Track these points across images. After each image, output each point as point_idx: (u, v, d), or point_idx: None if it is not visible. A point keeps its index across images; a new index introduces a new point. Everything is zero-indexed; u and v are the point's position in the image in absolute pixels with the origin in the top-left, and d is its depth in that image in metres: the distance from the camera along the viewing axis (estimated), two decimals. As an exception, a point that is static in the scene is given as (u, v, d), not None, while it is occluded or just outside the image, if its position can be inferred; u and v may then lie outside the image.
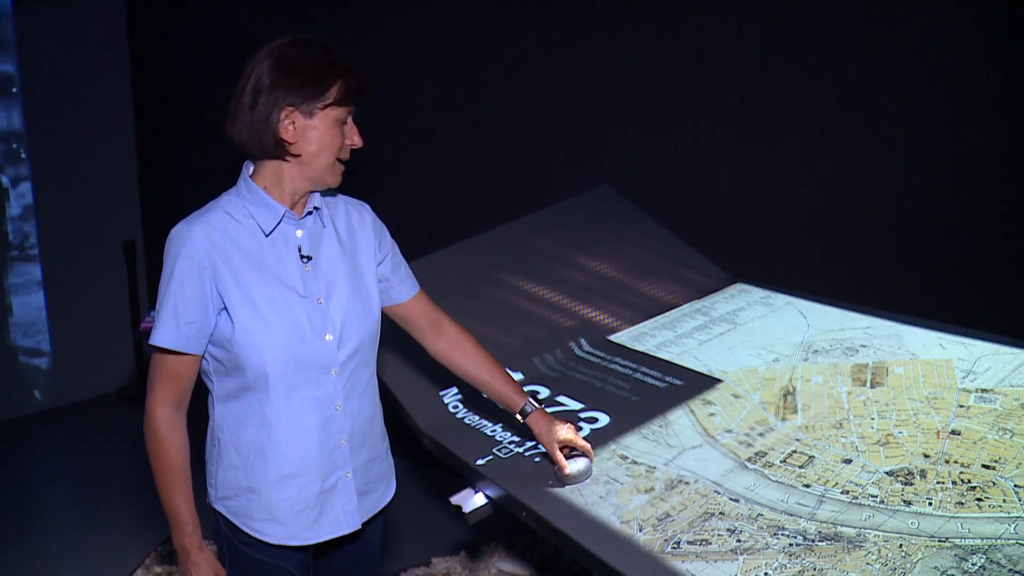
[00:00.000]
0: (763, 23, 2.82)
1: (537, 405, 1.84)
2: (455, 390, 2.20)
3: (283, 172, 1.63)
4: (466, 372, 1.88)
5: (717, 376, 2.12)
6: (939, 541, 1.46)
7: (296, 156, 1.61)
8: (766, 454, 1.80)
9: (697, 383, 2.11)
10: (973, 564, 1.39)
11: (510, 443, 1.99)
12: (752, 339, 2.26)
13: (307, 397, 1.64)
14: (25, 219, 4.73)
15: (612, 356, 2.32)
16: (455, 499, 1.87)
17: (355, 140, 1.66)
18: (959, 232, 2.57)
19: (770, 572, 1.46)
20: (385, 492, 1.85)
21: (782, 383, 2.03)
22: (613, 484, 1.77)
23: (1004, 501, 1.52)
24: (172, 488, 1.62)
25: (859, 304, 2.32)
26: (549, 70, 3.38)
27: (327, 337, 1.65)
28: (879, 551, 1.46)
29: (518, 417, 1.84)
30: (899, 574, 1.40)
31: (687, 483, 1.74)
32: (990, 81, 2.48)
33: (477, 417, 2.12)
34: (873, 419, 1.85)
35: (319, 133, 1.60)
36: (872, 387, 1.96)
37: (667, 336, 2.38)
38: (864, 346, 2.12)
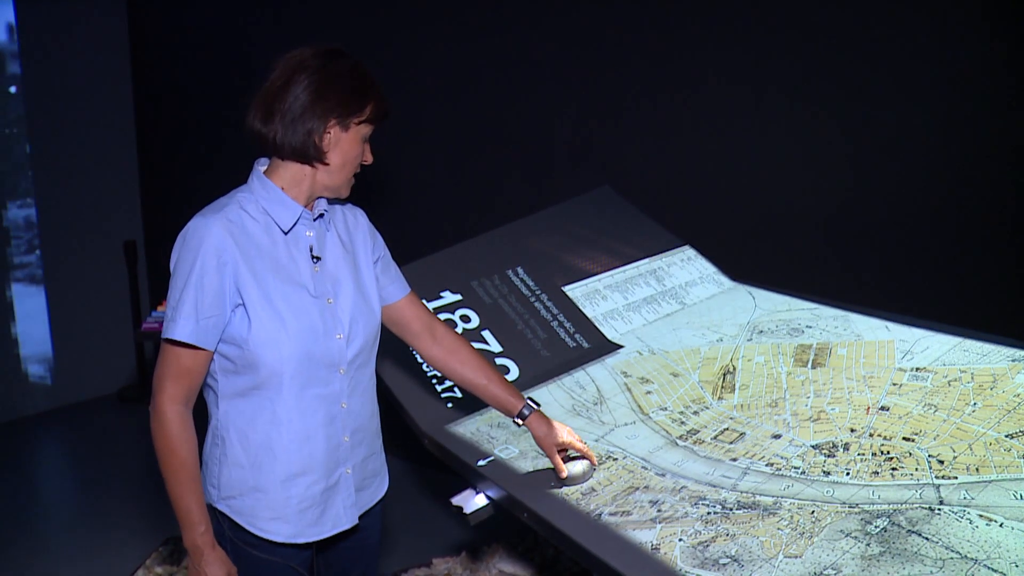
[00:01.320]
0: (764, 24, 2.86)
1: (536, 407, 1.81)
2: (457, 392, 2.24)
3: (306, 176, 1.66)
4: (463, 377, 1.88)
5: (658, 354, 2.15)
6: (849, 507, 1.48)
7: (324, 164, 1.64)
8: (698, 432, 1.82)
9: (601, 347, 2.24)
10: (876, 527, 1.41)
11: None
12: (698, 319, 2.29)
13: (316, 395, 1.66)
14: (26, 219, 4.83)
15: (540, 291, 2.40)
16: (456, 500, 1.87)
17: (368, 157, 1.72)
18: (963, 235, 2.60)
19: (684, 538, 1.49)
20: (379, 487, 1.87)
21: (723, 363, 2.05)
22: (541, 459, 1.80)
23: (916, 469, 1.54)
24: (184, 487, 1.60)
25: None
26: (550, 71, 3.41)
27: (338, 336, 1.68)
28: (791, 517, 1.49)
29: (517, 421, 1.81)
30: (806, 537, 1.43)
31: (615, 459, 1.77)
32: (975, 82, 2.50)
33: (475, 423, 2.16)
34: (808, 398, 1.87)
35: (349, 146, 1.65)
36: (813, 368, 1.98)
37: (617, 302, 2.41)
38: (810, 327, 2.14)
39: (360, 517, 1.79)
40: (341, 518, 1.75)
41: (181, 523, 1.62)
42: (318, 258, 1.70)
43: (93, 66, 4.90)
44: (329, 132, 1.61)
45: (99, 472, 4.17)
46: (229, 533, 1.69)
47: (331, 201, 1.76)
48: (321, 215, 1.72)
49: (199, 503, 1.62)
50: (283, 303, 1.62)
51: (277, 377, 1.61)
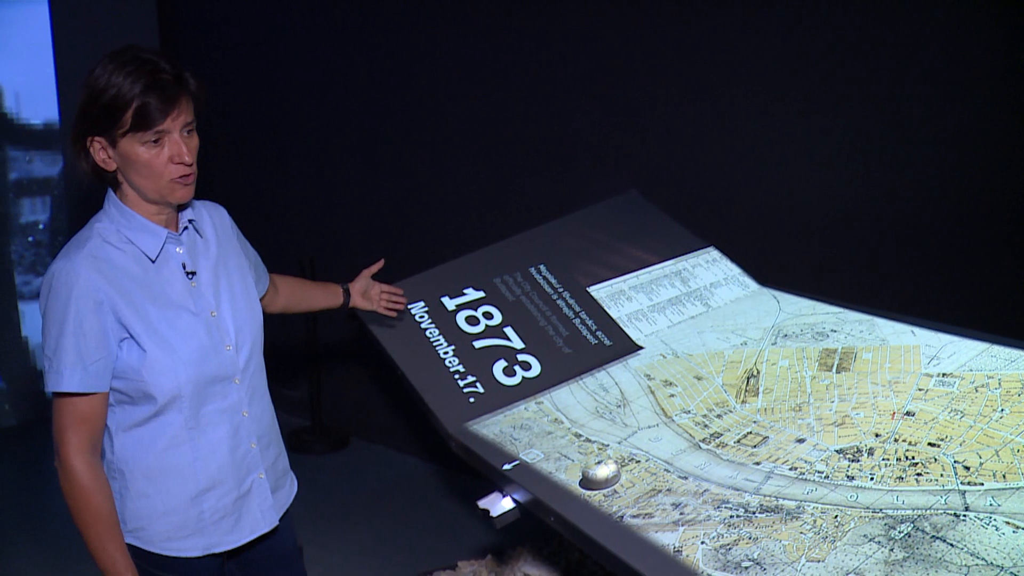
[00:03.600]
0: (793, 26, 2.85)
1: (348, 285, 2.20)
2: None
3: (129, 196, 1.60)
4: (288, 302, 2.09)
5: (682, 357, 2.15)
6: (873, 512, 1.48)
7: (123, 182, 1.59)
8: (721, 435, 1.82)
9: (622, 345, 2.26)
10: (900, 532, 1.41)
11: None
12: (723, 323, 2.29)
13: (216, 410, 1.65)
14: (54, 219, 4.90)
15: (562, 289, 2.41)
16: (483, 503, 1.87)
17: (182, 158, 1.56)
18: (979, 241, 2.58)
19: (707, 541, 1.49)
20: (292, 485, 1.88)
21: (747, 366, 2.05)
22: (563, 461, 1.81)
23: (941, 475, 1.53)
24: (105, 538, 1.57)
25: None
26: (578, 74, 3.42)
27: (227, 348, 1.66)
28: (815, 521, 1.49)
29: (346, 297, 2.19)
30: (829, 541, 1.42)
31: (638, 462, 1.77)
32: (1013, 83, 2.48)
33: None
34: (833, 402, 1.86)
35: (130, 160, 1.54)
36: (837, 372, 1.97)
37: (642, 303, 2.41)
38: (834, 331, 2.13)
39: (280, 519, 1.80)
40: (259, 522, 1.75)
41: (106, 573, 1.58)
42: (193, 273, 1.66)
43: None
44: (98, 151, 1.54)
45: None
46: (138, 563, 1.64)
47: (182, 208, 1.69)
48: (186, 227, 1.67)
49: (122, 550, 1.59)
50: (168, 329, 1.58)
51: (174, 401, 1.59)
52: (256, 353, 1.74)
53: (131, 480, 1.63)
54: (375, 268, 2.27)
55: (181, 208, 1.69)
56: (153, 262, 1.61)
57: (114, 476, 1.64)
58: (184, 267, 1.65)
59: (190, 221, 1.69)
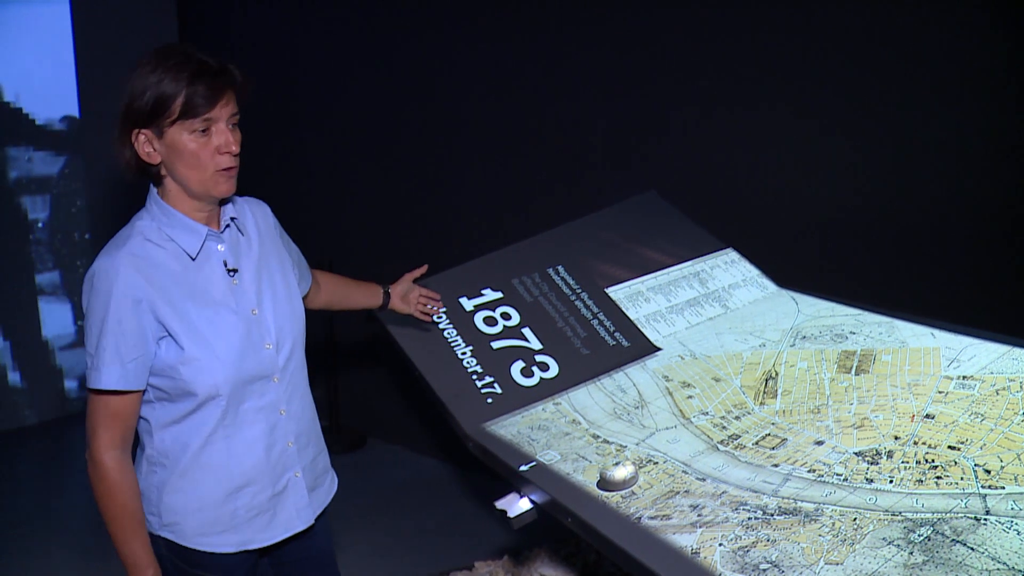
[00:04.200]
0: (810, 27, 2.85)
1: (389, 288, 2.18)
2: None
3: (173, 192, 1.60)
4: (330, 300, 2.09)
5: (700, 359, 2.15)
6: (892, 515, 1.47)
7: (166, 175, 1.59)
8: (739, 437, 1.82)
9: (640, 346, 2.26)
10: (919, 535, 1.40)
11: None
12: (741, 324, 2.28)
13: (253, 408, 1.65)
14: (71, 217, 4.94)
15: (580, 290, 2.41)
16: (500, 503, 1.87)
17: (230, 147, 1.57)
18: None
19: (725, 543, 1.49)
20: (331, 484, 1.89)
21: (765, 368, 2.04)
22: (581, 462, 1.81)
23: (961, 479, 1.52)
24: (129, 533, 1.59)
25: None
26: (597, 76, 3.42)
27: (267, 346, 1.66)
28: (833, 524, 1.48)
29: (386, 299, 2.18)
30: (847, 544, 1.42)
31: (656, 463, 1.77)
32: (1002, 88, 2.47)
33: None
34: (852, 404, 1.85)
35: (177, 150, 1.54)
36: (857, 374, 1.96)
37: (660, 304, 2.40)
38: (853, 333, 2.12)
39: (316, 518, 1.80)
40: (294, 520, 1.75)
41: (128, 569, 1.60)
42: (235, 270, 1.66)
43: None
44: (142, 144, 1.55)
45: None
46: (171, 556, 1.67)
47: (223, 202, 1.69)
48: (228, 225, 1.68)
49: (145, 546, 1.61)
50: (207, 327, 1.58)
51: (212, 399, 1.59)
52: (297, 352, 1.74)
53: (167, 475, 1.64)
54: (418, 272, 2.24)
55: (223, 204, 1.69)
56: (193, 260, 1.61)
57: (155, 470, 1.65)
58: (226, 265, 1.65)
59: (232, 219, 1.69)
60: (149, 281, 1.55)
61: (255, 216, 1.76)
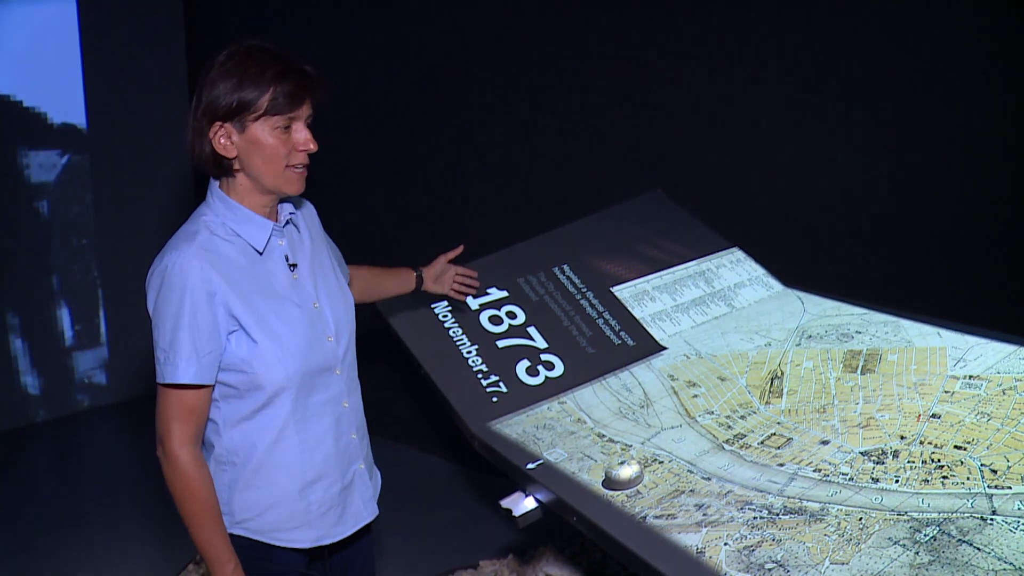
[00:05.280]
0: (817, 26, 2.85)
1: (422, 271, 2.15)
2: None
3: (246, 185, 1.62)
4: (363, 293, 2.05)
5: (706, 358, 2.15)
6: (898, 515, 1.47)
7: (240, 170, 1.60)
8: (745, 436, 1.82)
9: (646, 345, 2.26)
10: (925, 535, 1.40)
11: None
12: (747, 324, 2.28)
13: (320, 400, 1.67)
14: (82, 216, 4.96)
15: (586, 289, 2.41)
16: (506, 503, 1.88)
17: (308, 145, 1.61)
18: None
19: (730, 543, 1.49)
20: (378, 475, 1.90)
21: (771, 367, 2.04)
22: (586, 461, 1.81)
23: (968, 479, 1.52)
24: (209, 527, 1.58)
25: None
26: (603, 75, 3.42)
27: (328, 339, 1.68)
28: (839, 524, 1.48)
29: (419, 282, 2.14)
30: (853, 544, 1.42)
31: (661, 462, 1.77)
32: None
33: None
34: (857, 404, 1.85)
35: (257, 145, 1.56)
36: (862, 373, 1.96)
37: (666, 303, 2.41)
38: (859, 332, 2.11)
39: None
40: (361, 512, 1.77)
41: (209, 563, 1.60)
42: (295, 265, 1.68)
43: (151, 62, 5.03)
44: (223, 136, 1.56)
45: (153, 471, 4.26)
46: (248, 553, 1.66)
47: (281, 202, 1.71)
48: (288, 221, 1.69)
49: (225, 540, 1.60)
50: (276, 321, 1.60)
51: (282, 393, 1.60)
52: (351, 344, 1.76)
53: (239, 473, 1.64)
54: (453, 254, 2.21)
55: (281, 202, 1.71)
56: (260, 254, 1.63)
57: (224, 469, 1.65)
58: (287, 259, 1.67)
59: (290, 214, 1.71)
60: (221, 275, 1.56)
61: (303, 213, 1.79)
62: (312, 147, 1.60)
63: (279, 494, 1.65)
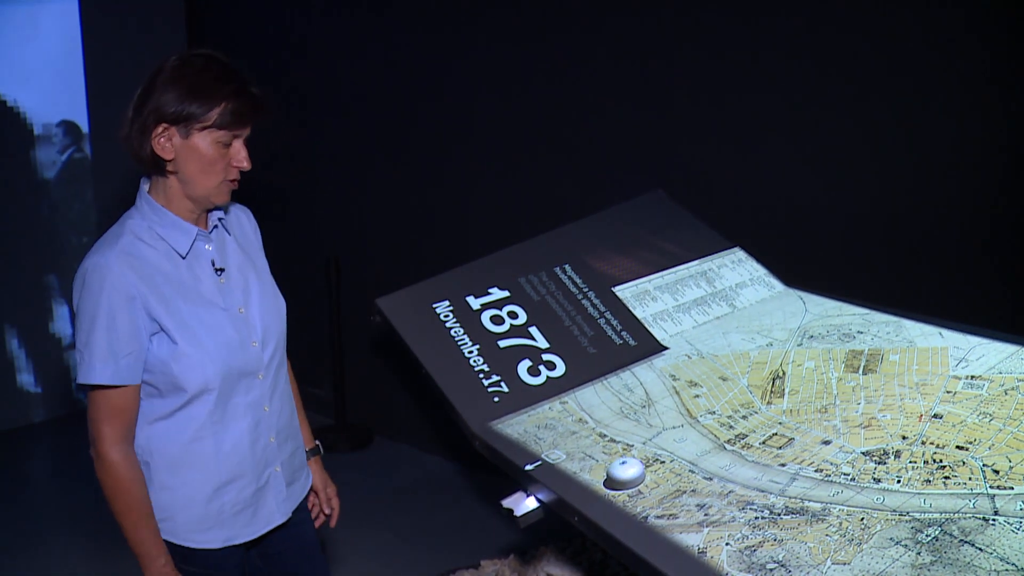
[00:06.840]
0: (821, 26, 2.84)
1: (319, 453, 2.06)
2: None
3: (171, 189, 1.63)
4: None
5: (707, 358, 2.15)
6: (900, 515, 1.46)
7: (174, 173, 1.61)
8: (746, 436, 1.81)
9: (647, 345, 2.25)
10: (927, 535, 1.39)
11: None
12: (748, 324, 2.27)
13: (240, 404, 1.69)
14: (83, 220, 4.96)
15: (587, 289, 2.40)
16: (507, 502, 1.88)
17: (243, 163, 1.64)
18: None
19: (731, 543, 1.49)
20: (307, 479, 1.92)
21: (772, 367, 2.04)
22: (587, 461, 1.81)
23: (970, 479, 1.52)
24: (139, 524, 1.63)
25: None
26: (604, 74, 3.42)
27: (253, 344, 1.70)
28: (840, 524, 1.48)
29: (314, 451, 2.04)
30: (854, 544, 1.41)
31: (662, 462, 1.77)
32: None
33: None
34: (859, 404, 1.85)
35: (198, 154, 1.58)
36: (864, 373, 1.96)
37: (667, 303, 2.40)
38: (861, 332, 2.11)
39: (293, 512, 1.84)
40: (274, 514, 1.79)
41: (141, 560, 1.64)
42: (222, 270, 1.69)
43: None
44: (164, 138, 1.56)
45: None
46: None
47: (212, 208, 1.72)
48: (216, 226, 1.71)
49: (155, 536, 1.64)
50: (198, 324, 1.62)
51: (202, 395, 1.62)
52: (280, 350, 1.78)
53: (155, 473, 1.67)
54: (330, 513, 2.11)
55: (211, 208, 1.72)
56: (183, 259, 1.65)
57: (141, 466, 1.67)
58: (213, 264, 1.69)
59: (219, 220, 1.73)
60: (142, 278, 1.58)
61: (239, 219, 1.81)
62: (246, 165, 1.63)
63: (194, 494, 1.68)
